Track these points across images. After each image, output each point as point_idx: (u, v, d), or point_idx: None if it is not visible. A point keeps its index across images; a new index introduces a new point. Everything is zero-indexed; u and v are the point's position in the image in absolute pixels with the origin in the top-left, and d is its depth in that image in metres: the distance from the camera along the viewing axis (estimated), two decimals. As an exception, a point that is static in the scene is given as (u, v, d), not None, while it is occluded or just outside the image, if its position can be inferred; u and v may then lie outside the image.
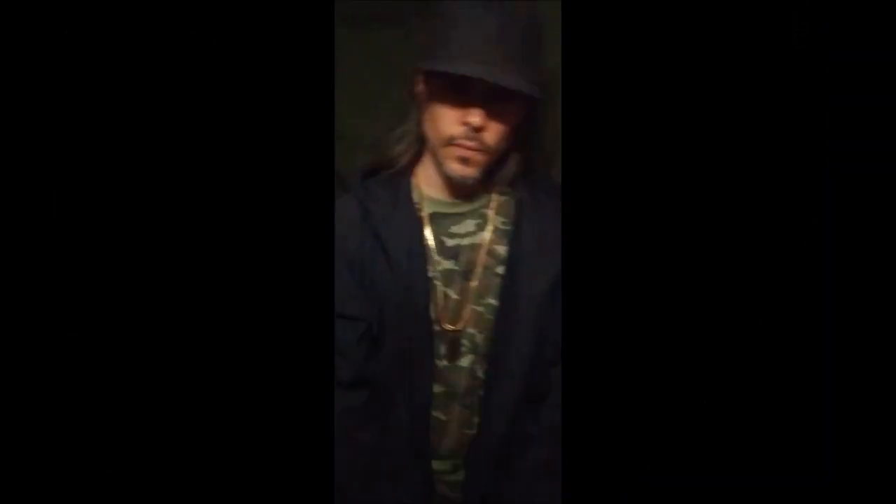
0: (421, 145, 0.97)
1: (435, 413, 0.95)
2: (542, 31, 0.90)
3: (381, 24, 1.40)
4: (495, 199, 0.97)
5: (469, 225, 0.97)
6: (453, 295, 0.94)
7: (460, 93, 0.88)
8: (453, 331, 0.94)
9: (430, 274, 0.94)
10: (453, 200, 0.97)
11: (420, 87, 0.93)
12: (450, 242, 0.95)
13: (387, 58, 1.41)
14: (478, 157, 0.90)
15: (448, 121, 0.89)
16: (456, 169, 0.91)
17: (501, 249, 0.96)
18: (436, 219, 0.96)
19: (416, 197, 0.98)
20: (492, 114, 0.88)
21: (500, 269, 0.95)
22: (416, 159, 0.98)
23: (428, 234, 0.96)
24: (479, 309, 0.94)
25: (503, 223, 0.97)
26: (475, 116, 0.87)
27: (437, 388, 0.94)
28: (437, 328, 0.94)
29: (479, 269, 0.95)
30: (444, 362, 0.94)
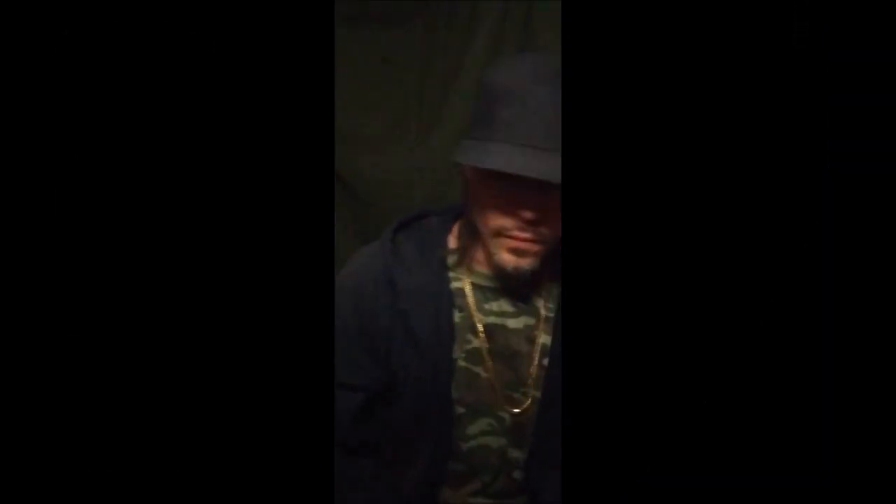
0: (471, 231, 0.84)
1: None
2: None
3: (381, 24, 1.40)
4: (544, 282, 0.86)
5: (506, 305, 0.86)
6: (485, 375, 0.84)
7: (508, 182, 0.75)
8: (514, 414, 0.84)
9: (456, 355, 0.84)
10: (497, 281, 0.85)
11: (464, 173, 0.83)
12: (484, 320, 0.85)
13: (387, 57, 1.41)
14: (534, 248, 0.79)
15: (496, 213, 0.78)
16: (508, 260, 0.80)
17: (544, 338, 0.85)
18: (472, 291, 0.85)
19: (451, 261, 0.86)
20: (549, 203, 0.76)
21: (544, 361, 0.85)
22: (461, 214, 0.87)
23: (460, 307, 0.84)
24: (519, 397, 0.85)
25: (548, 308, 0.86)
26: (526, 212, 0.76)
27: (458, 467, 0.87)
28: (468, 411, 0.85)
29: (521, 357, 0.85)
30: (475, 442, 0.85)
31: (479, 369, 0.84)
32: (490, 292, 0.85)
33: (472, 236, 0.84)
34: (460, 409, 0.84)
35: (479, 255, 0.85)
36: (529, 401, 0.84)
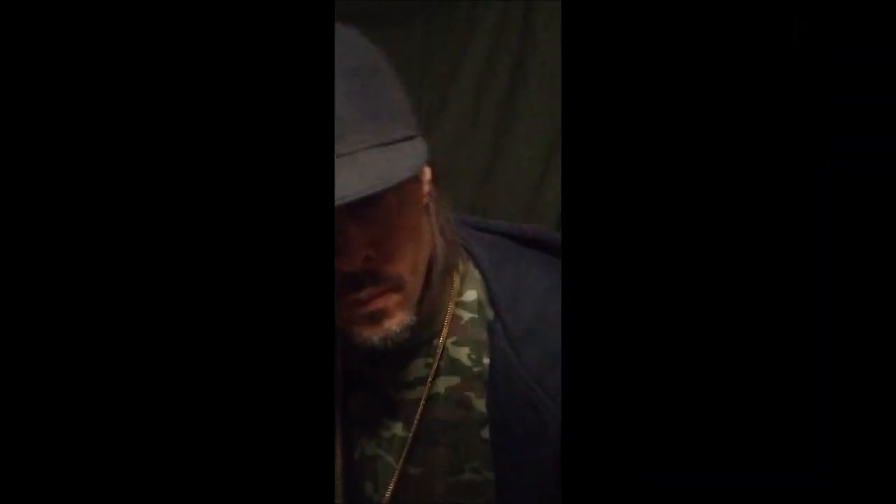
0: None
1: None
2: (386, 68, 0.70)
3: (381, 24, 1.40)
4: (447, 319, 0.66)
5: (418, 368, 0.67)
6: (412, 470, 0.66)
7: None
8: None
9: (370, 453, 0.67)
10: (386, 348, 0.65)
11: None
12: (396, 397, 0.67)
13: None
14: (393, 300, 0.62)
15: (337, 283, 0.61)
16: (369, 334, 0.62)
17: (478, 403, 0.66)
18: (362, 373, 0.68)
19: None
20: (376, 230, 0.60)
21: (484, 433, 0.65)
22: None
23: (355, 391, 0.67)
24: (471, 478, 0.66)
25: (470, 357, 0.66)
26: (347, 258, 0.59)
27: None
28: None
29: (451, 434, 0.65)
30: None
31: (410, 465, 0.66)
32: (394, 358, 0.66)
33: None
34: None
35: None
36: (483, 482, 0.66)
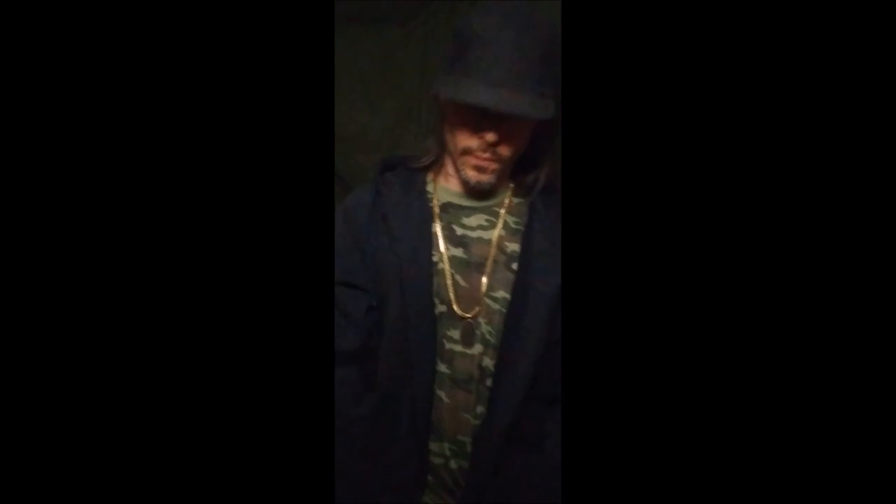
0: (442, 149, 1.01)
1: (438, 392, 0.96)
2: (559, 43, 0.91)
3: (381, 24, 1.40)
4: (508, 200, 1.02)
5: (480, 219, 1.00)
6: (462, 283, 0.97)
7: (475, 111, 0.90)
8: (466, 318, 0.96)
9: (435, 259, 0.97)
10: (468, 198, 1.01)
11: (439, 101, 0.97)
12: (459, 231, 0.99)
13: (387, 57, 1.41)
14: (493, 165, 0.95)
15: (465, 134, 0.94)
16: (472, 176, 0.97)
17: (513, 246, 0.99)
18: (447, 209, 1.01)
19: (430, 189, 1.02)
20: (507, 129, 0.93)
21: (513, 265, 0.98)
22: (436, 161, 1.03)
23: (437, 221, 0.99)
24: (490, 302, 0.96)
25: (515, 222, 1.01)
26: (489, 134, 0.92)
27: (442, 369, 0.96)
28: (449, 311, 0.96)
29: (489, 262, 0.98)
30: (457, 346, 0.96)
31: (458, 276, 0.98)
32: (464, 210, 1.01)
33: (444, 156, 1.02)
34: (441, 308, 0.97)
35: (450, 174, 1.02)
36: (498, 305, 0.97)
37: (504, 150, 0.94)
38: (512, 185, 1.02)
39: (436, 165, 1.03)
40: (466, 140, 0.94)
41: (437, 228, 0.99)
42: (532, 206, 1.01)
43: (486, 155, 0.94)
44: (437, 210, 1.00)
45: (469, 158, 0.95)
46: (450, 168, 1.01)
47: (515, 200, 1.01)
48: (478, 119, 0.92)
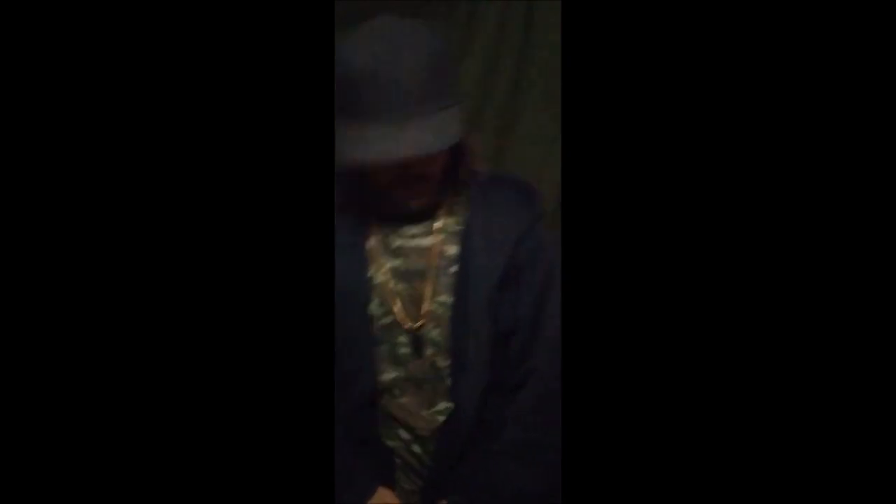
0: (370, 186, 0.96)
1: (400, 400, 0.97)
2: (446, 48, 0.88)
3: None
4: (446, 204, 0.99)
5: (416, 227, 0.98)
6: (406, 292, 0.97)
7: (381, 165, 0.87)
8: (414, 328, 0.96)
9: (370, 273, 0.96)
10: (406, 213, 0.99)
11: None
12: (396, 243, 0.98)
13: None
14: (423, 187, 0.92)
15: (383, 175, 0.89)
16: (409, 206, 0.94)
17: (452, 250, 0.97)
18: (382, 221, 0.98)
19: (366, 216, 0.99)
20: (420, 165, 0.88)
21: (453, 269, 0.97)
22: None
23: (374, 236, 0.97)
24: (436, 307, 0.97)
25: (454, 224, 0.99)
26: (413, 168, 0.87)
27: (397, 374, 0.97)
28: (394, 321, 0.96)
29: (431, 270, 0.97)
30: (409, 350, 0.97)
31: (400, 286, 0.97)
32: (400, 220, 0.98)
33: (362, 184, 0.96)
34: (386, 320, 0.97)
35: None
36: (443, 310, 0.97)
37: (430, 173, 0.90)
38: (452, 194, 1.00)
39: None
40: (386, 178, 0.89)
41: (373, 242, 0.97)
42: (473, 200, 0.98)
43: (417, 189, 0.91)
44: (376, 224, 0.97)
45: (398, 192, 0.91)
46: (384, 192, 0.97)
47: (455, 199, 0.99)
48: (396, 169, 0.87)
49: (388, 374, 0.98)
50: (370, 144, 0.83)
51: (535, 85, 1.40)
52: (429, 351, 0.97)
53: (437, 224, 0.99)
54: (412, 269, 0.98)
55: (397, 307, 0.96)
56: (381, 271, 0.97)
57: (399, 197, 0.93)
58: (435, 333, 0.97)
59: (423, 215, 0.98)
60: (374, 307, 0.97)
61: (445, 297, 0.97)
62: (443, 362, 0.97)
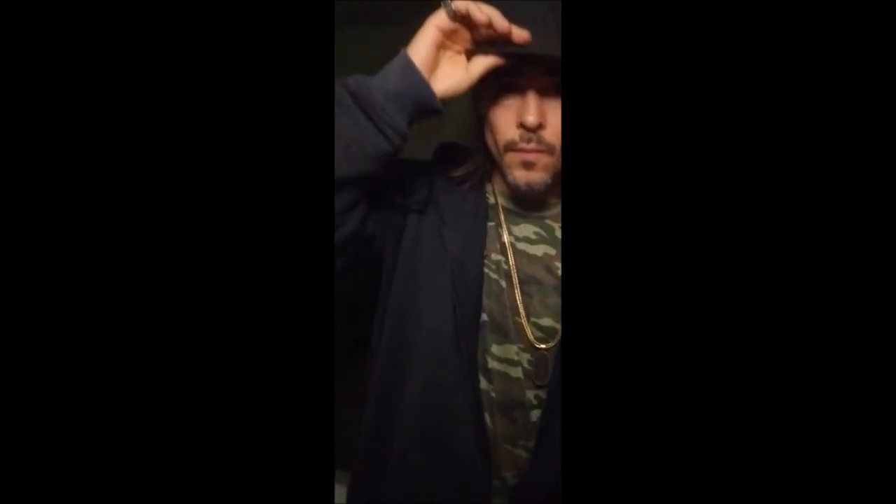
0: (489, 162, 0.91)
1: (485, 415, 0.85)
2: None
3: (381, 24, 1.40)
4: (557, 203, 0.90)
5: (527, 230, 0.90)
6: (507, 291, 0.87)
7: (513, 90, 0.83)
8: (541, 349, 0.85)
9: (483, 262, 0.87)
10: (519, 205, 0.91)
11: (477, 96, 0.88)
12: (505, 238, 0.89)
13: (387, 57, 1.41)
14: (542, 159, 0.84)
15: (504, 125, 0.84)
16: (520, 177, 0.85)
17: (559, 265, 0.87)
18: (498, 209, 0.91)
19: (487, 187, 0.92)
20: (549, 108, 0.83)
21: (555, 287, 0.87)
22: (487, 175, 0.92)
23: (490, 220, 0.89)
24: (533, 330, 0.87)
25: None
26: (530, 114, 0.82)
27: (484, 387, 0.86)
28: (492, 322, 0.86)
29: (533, 283, 0.88)
30: (496, 364, 0.86)
31: (503, 283, 0.87)
32: (515, 216, 0.90)
33: (489, 162, 0.90)
34: (484, 317, 0.87)
35: (502, 183, 0.90)
36: (554, 338, 0.86)
37: (550, 136, 0.83)
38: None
39: (490, 179, 0.92)
40: (508, 132, 0.83)
41: (490, 226, 0.88)
42: None
43: (532, 145, 0.83)
44: (497, 207, 0.89)
45: (513, 156, 0.84)
46: (501, 179, 0.90)
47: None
48: (515, 101, 0.82)
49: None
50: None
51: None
52: (517, 371, 0.85)
53: (553, 232, 0.89)
54: (522, 277, 0.87)
55: (521, 317, 0.85)
56: (489, 262, 0.87)
57: (516, 166, 0.84)
58: (525, 357, 0.86)
59: (536, 205, 0.88)
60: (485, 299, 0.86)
61: (550, 322, 0.86)
62: (532, 392, 0.85)
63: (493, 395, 0.86)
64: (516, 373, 0.87)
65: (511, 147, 0.84)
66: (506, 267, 0.88)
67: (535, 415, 0.86)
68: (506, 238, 0.89)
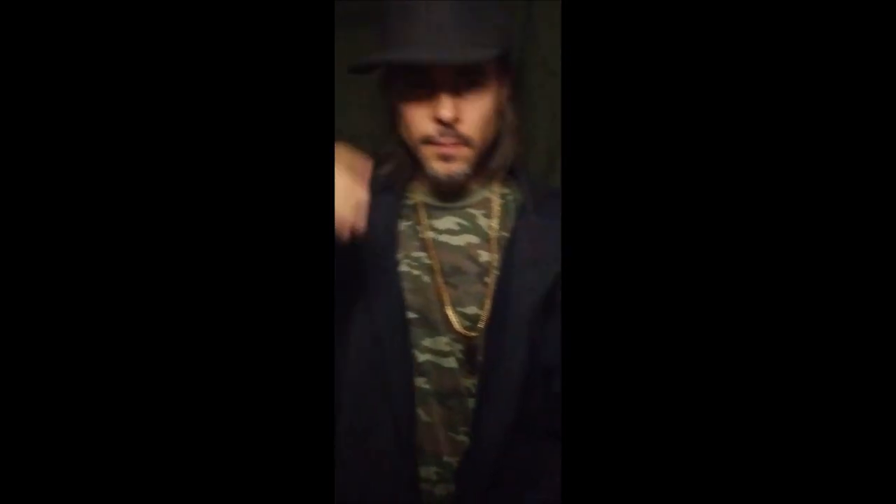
0: (405, 151, 0.91)
1: (417, 409, 0.89)
2: (497, 13, 0.86)
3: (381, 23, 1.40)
4: (489, 201, 0.92)
5: (449, 222, 0.92)
6: (430, 285, 0.89)
7: (425, 86, 0.84)
8: (471, 336, 0.87)
9: (404, 261, 0.89)
10: (441, 199, 0.92)
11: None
12: (425, 234, 0.90)
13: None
14: (460, 151, 0.86)
15: (418, 119, 0.85)
16: (439, 168, 0.86)
17: (486, 256, 0.90)
18: (417, 208, 0.92)
19: (406, 188, 0.94)
20: (463, 103, 0.84)
21: (486, 278, 0.89)
22: (412, 172, 0.92)
23: (405, 221, 0.91)
24: (457, 318, 0.89)
25: (494, 227, 0.91)
26: (445, 109, 0.83)
27: (420, 383, 0.89)
28: (421, 318, 0.89)
29: (457, 274, 0.90)
30: (432, 357, 0.89)
31: (426, 277, 0.89)
32: (436, 210, 0.91)
33: (406, 157, 0.91)
34: (412, 314, 0.89)
35: (424, 174, 0.90)
36: (479, 326, 0.88)
37: (467, 129, 0.84)
38: (497, 188, 0.92)
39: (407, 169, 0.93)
40: (422, 126, 0.85)
41: (403, 227, 0.91)
42: (522, 210, 0.91)
43: (449, 139, 0.84)
44: (415, 206, 0.91)
45: (430, 148, 0.85)
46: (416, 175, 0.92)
47: (500, 201, 0.92)
48: (429, 94, 0.83)
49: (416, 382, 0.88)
50: (414, 50, 0.80)
51: (536, 85, 1.39)
52: (452, 360, 0.88)
53: (476, 221, 0.91)
54: (446, 269, 0.89)
55: (448, 308, 0.87)
56: (410, 260, 0.89)
57: (435, 158, 0.85)
58: (457, 347, 0.88)
59: (459, 199, 0.90)
60: (408, 297, 0.88)
61: (474, 309, 0.88)
62: (468, 382, 0.88)
63: (429, 387, 0.89)
64: (449, 363, 0.90)
65: (427, 141, 0.85)
66: (427, 262, 0.89)
67: (472, 402, 0.89)
68: (427, 234, 0.90)
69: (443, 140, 0.85)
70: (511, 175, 0.94)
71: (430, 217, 0.92)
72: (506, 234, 0.91)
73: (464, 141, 0.85)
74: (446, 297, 0.89)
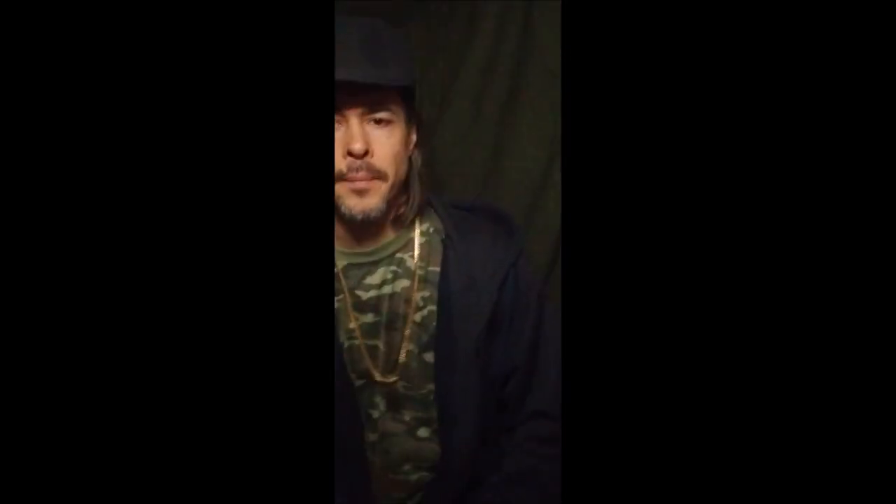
0: None
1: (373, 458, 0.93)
2: (401, 45, 0.88)
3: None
4: (415, 240, 0.93)
5: (383, 274, 0.93)
6: (382, 347, 0.92)
7: (336, 122, 0.84)
8: (388, 383, 0.92)
9: (347, 330, 0.91)
10: (362, 248, 0.93)
11: None
12: (364, 296, 0.92)
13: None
14: (374, 185, 0.86)
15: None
16: (353, 205, 0.86)
17: (422, 293, 0.92)
18: (347, 272, 0.92)
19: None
20: (373, 136, 0.85)
21: (424, 315, 0.91)
22: None
23: (340, 293, 0.92)
24: (410, 361, 0.92)
25: (423, 266, 0.93)
26: (356, 142, 0.83)
27: (372, 437, 0.93)
28: (368, 381, 0.92)
29: (402, 319, 0.92)
30: (382, 412, 0.93)
31: (371, 343, 0.92)
32: (364, 268, 0.92)
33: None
34: (359, 382, 0.92)
35: (339, 235, 0.91)
36: (416, 364, 0.91)
37: (379, 162, 0.85)
38: (416, 224, 0.93)
39: None
40: (335, 163, 0.85)
41: (337, 301, 0.91)
42: (446, 240, 0.92)
43: (361, 174, 0.85)
44: (340, 274, 0.91)
45: (344, 185, 0.85)
46: (339, 229, 0.91)
47: (422, 240, 0.93)
48: (340, 133, 0.84)
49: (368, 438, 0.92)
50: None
51: (535, 85, 1.39)
52: (408, 413, 0.92)
53: (405, 265, 0.92)
54: (385, 322, 0.91)
55: (369, 364, 0.90)
56: (355, 329, 0.91)
57: (348, 195, 0.85)
58: (416, 391, 0.92)
59: (382, 246, 0.91)
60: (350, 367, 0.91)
61: (415, 348, 0.91)
62: (424, 431, 0.92)
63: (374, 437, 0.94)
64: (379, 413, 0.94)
65: (340, 177, 0.85)
66: (375, 319, 0.92)
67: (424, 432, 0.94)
68: (364, 296, 0.91)
69: (356, 175, 0.85)
70: (427, 205, 0.95)
71: (364, 277, 0.92)
72: (435, 269, 0.92)
73: (376, 174, 0.86)
74: (366, 354, 0.92)
